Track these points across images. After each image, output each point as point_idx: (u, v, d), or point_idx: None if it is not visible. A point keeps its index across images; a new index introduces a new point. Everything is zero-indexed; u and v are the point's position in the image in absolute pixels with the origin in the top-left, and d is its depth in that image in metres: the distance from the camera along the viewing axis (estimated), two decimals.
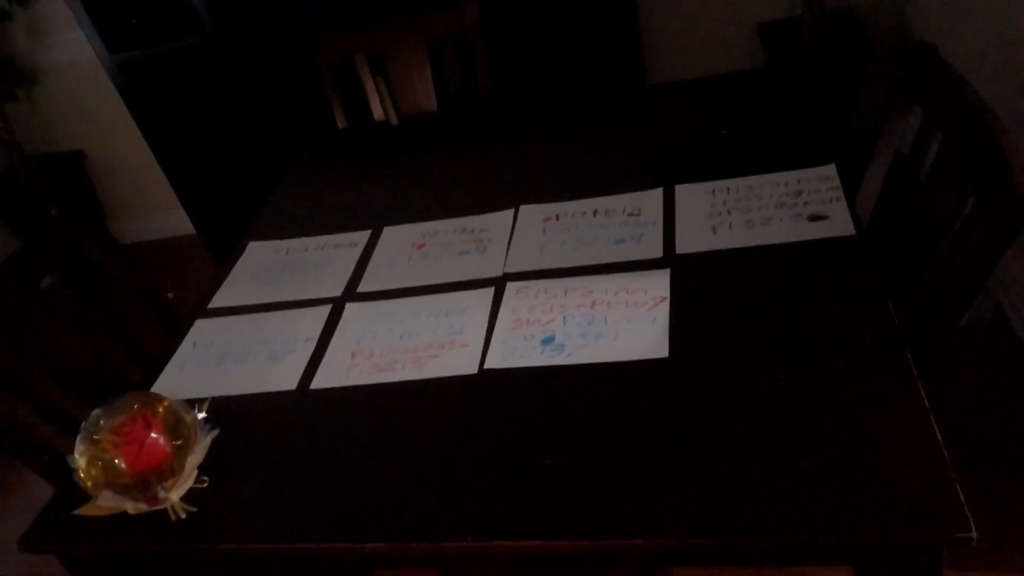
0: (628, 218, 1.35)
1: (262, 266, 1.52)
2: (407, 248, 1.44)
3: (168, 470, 1.02)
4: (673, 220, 1.32)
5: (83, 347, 1.39)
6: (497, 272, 1.32)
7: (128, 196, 3.25)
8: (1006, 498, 1.51)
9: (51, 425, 1.26)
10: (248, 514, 1.03)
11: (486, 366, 1.13)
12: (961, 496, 0.79)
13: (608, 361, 1.09)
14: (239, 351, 1.31)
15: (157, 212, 3.25)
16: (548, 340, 1.15)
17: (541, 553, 0.92)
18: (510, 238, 1.39)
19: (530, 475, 0.96)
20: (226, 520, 1.02)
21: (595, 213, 1.39)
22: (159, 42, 2.54)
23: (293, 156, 1.93)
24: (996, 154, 0.90)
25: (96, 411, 1.03)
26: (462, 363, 1.15)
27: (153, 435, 1.02)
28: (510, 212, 1.46)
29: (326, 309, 1.34)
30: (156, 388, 1.27)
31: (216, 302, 1.45)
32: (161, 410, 1.04)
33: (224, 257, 2.96)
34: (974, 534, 0.75)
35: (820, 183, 1.29)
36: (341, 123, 1.98)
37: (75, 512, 1.03)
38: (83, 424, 1.03)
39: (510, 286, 1.28)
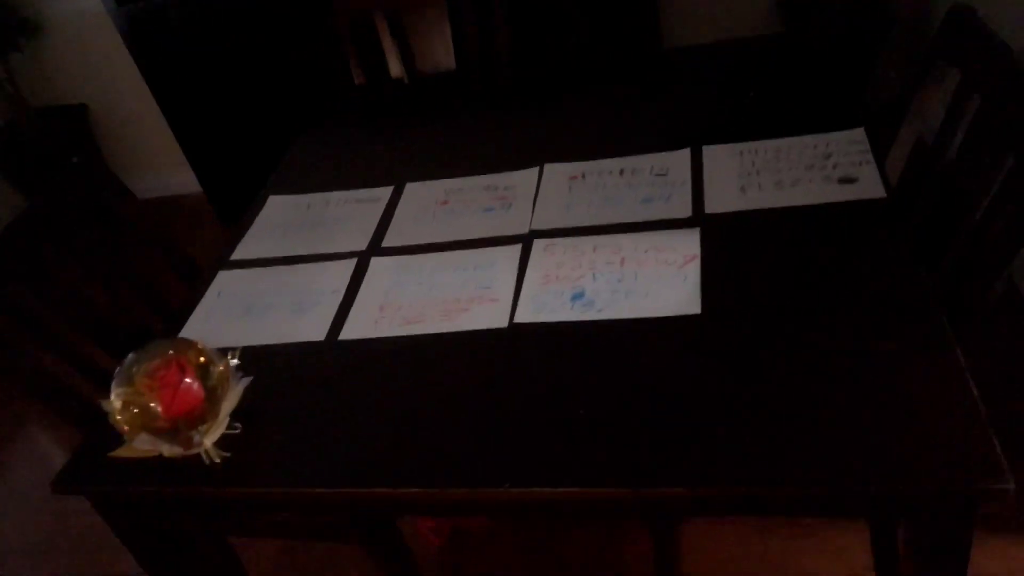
0: (655, 178, 1.35)
1: (283, 220, 1.51)
2: (431, 204, 1.44)
3: (202, 415, 1.02)
4: (701, 180, 1.32)
5: (104, 297, 1.39)
6: (523, 229, 1.32)
7: (131, 152, 3.21)
8: None
9: (77, 373, 1.27)
10: (281, 459, 1.03)
11: (516, 320, 1.14)
12: (998, 447, 0.80)
13: (640, 317, 1.09)
14: (265, 302, 1.31)
15: (161, 169, 3.21)
16: (578, 296, 1.15)
17: (578, 499, 0.93)
18: (535, 196, 1.39)
19: (564, 426, 0.96)
20: (258, 465, 1.03)
21: (621, 172, 1.39)
22: None
23: (306, 113, 1.92)
24: None
25: (131, 355, 1.04)
26: (492, 317, 1.16)
27: (187, 380, 1.02)
28: (534, 170, 1.45)
29: (351, 263, 1.34)
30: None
31: (238, 254, 1.45)
32: (195, 356, 1.04)
33: (231, 215, 2.98)
34: (1012, 485, 0.77)
35: (849, 146, 1.29)
36: (358, 79, 1.96)
37: (111, 454, 1.03)
38: (118, 368, 1.03)
39: (537, 243, 1.28)
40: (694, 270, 1.14)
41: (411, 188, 1.50)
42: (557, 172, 1.43)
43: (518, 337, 1.12)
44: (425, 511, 1.09)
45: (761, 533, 1.55)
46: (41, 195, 1.40)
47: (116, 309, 1.38)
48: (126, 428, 1.01)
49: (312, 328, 1.22)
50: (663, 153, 1.41)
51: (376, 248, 1.36)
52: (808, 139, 1.34)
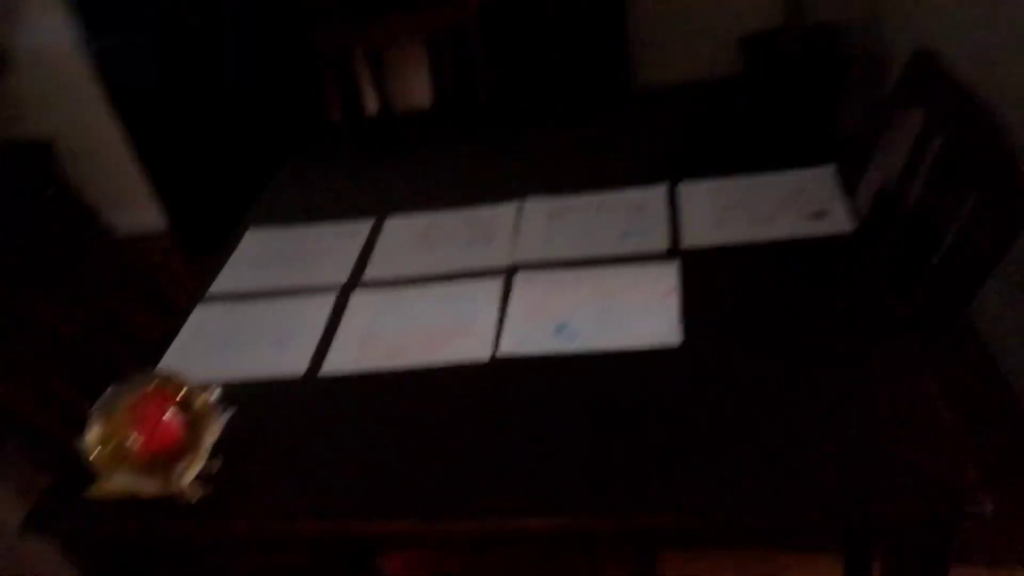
0: (633, 212, 1.38)
1: (262, 253, 1.51)
2: (411, 238, 1.45)
3: (183, 449, 1.00)
4: (677, 215, 1.35)
5: (76, 332, 1.37)
6: (505, 262, 1.33)
7: (97, 188, 3.17)
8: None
9: (48, 411, 1.24)
10: (261, 495, 1.02)
11: (499, 353, 1.15)
12: (973, 471, 0.82)
13: (621, 348, 1.11)
14: (243, 337, 1.29)
15: (127, 205, 3.18)
16: (561, 328, 1.17)
17: (562, 529, 0.93)
18: (516, 230, 1.40)
19: (548, 457, 0.97)
20: (239, 502, 1.01)
21: (599, 207, 1.42)
22: (142, 30, 2.50)
23: (280, 150, 1.92)
24: (1000, 152, 0.94)
25: (110, 389, 1.02)
26: (474, 349, 1.16)
27: (168, 415, 1.00)
28: (514, 205, 1.47)
29: (332, 296, 1.34)
30: None
31: (216, 288, 1.43)
32: (175, 390, 1.03)
33: (198, 250, 2.94)
34: (989, 507, 0.79)
35: (820, 183, 1.34)
36: (336, 116, 1.97)
37: (85, 494, 1.01)
38: (96, 402, 1.01)
39: (519, 275, 1.29)
40: (673, 302, 1.16)
41: (391, 222, 1.51)
42: (537, 206, 1.46)
43: (501, 370, 1.12)
44: (408, 545, 1.07)
45: (736, 569, 1.55)
46: (10, 228, 1.38)
47: (90, 346, 1.35)
48: (103, 465, 0.99)
49: (293, 362, 1.21)
50: (640, 189, 1.44)
51: (357, 281, 1.37)
52: (780, 176, 1.38)
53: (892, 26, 2.47)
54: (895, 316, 1.03)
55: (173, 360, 1.28)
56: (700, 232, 1.29)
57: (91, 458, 1.00)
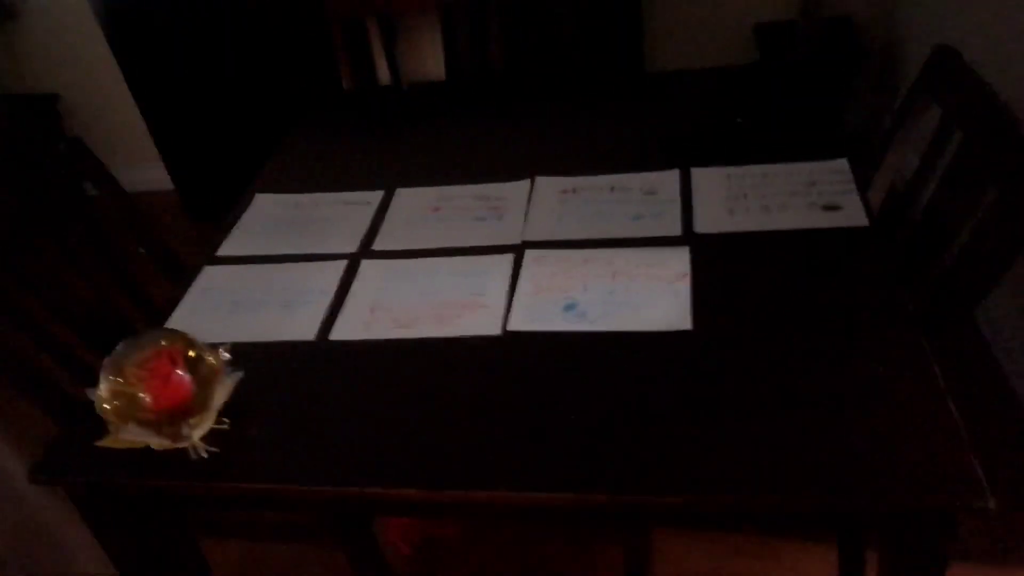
0: (645, 196, 1.38)
1: (271, 218, 1.50)
2: (422, 210, 1.45)
3: (191, 408, 1.01)
4: (690, 201, 1.35)
5: (86, 288, 1.37)
6: (515, 239, 1.33)
7: (102, 145, 3.13)
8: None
9: (57, 363, 1.24)
10: (268, 456, 1.03)
11: (509, 327, 1.15)
12: (978, 465, 0.84)
13: (631, 330, 1.12)
14: (252, 299, 1.30)
15: (132, 165, 3.16)
16: (570, 307, 1.17)
17: (562, 504, 0.94)
18: (527, 207, 1.41)
19: (555, 432, 0.98)
20: (245, 461, 1.02)
21: (612, 189, 1.42)
22: None
23: (289, 115, 1.91)
24: (1019, 150, 0.95)
25: (120, 345, 1.02)
26: (484, 323, 1.17)
27: (178, 372, 1.01)
28: (526, 182, 1.47)
29: (341, 264, 1.34)
30: None
31: (224, 250, 1.43)
32: (186, 348, 1.03)
33: (202, 213, 2.94)
34: (992, 503, 0.80)
35: (833, 175, 1.34)
36: (347, 84, 1.96)
37: (98, 443, 1.01)
38: (107, 358, 1.01)
39: (529, 253, 1.29)
40: (684, 287, 1.17)
41: (402, 193, 1.50)
42: (549, 185, 1.46)
43: (511, 344, 1.13)
44: (410, 512, 1.09)
45: (733, 554, 1.58)
46: (16, 184, 1.37)
47: (99, 302, 1.35)
48: (114, 418, 0.99)
49: (302, 327, 1.22)
50: (652, 173, 1.44)
51: (366, 251, 1.37)
52: (793, 166, 1.38)
53: (909, 20, 2.47)
54: (906, 311, 1.04)
55: (181, 319, 1.28)
56: (713, 218, 1.30)
57: (101, 411, 1.00)
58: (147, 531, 1.16)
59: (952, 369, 1.01)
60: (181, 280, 1.39)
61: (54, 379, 1.19)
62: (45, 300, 1.27)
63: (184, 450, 1.01)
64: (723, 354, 1.05)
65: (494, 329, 1.15)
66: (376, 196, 1.51)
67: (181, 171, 2.88)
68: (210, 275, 1.37)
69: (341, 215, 1.47)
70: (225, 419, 1.05)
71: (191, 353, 1.03)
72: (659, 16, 2.65)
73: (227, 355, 1.07)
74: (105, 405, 0.99)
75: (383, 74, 1.97)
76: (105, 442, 1.01)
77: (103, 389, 1.00)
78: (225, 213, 1.55)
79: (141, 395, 0.99)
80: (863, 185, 1.31)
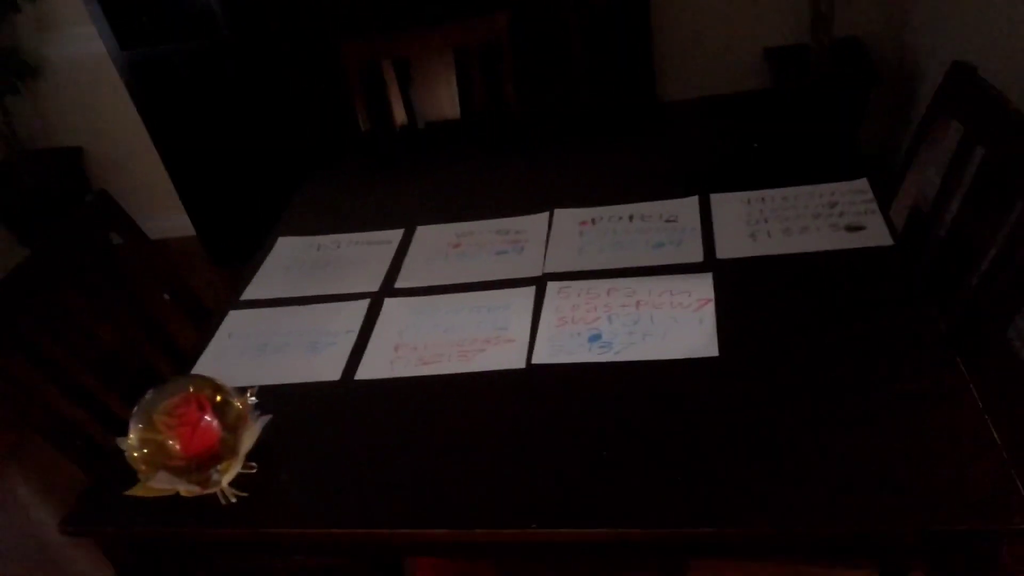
0: (665, 224, 1.38)
1: (294, 261, 1.52)
2: (443, 247, 1.45)
3: (220, 454, 1.01)
4: (711, 227, 1.35)
5: (112, 336, 1.38)
6: (536, 272, 1.33)
7: (125, 194, 3.19)
8: None
9: (84, 411, 1.25)
10: (297, 500, 1.02)
11: (533, 361, 1.15)
12: (1021, 486, 0.81)
13: (657, 359, 1.10)
14: (277, 342, 1.30)
15: (154, 213, 3.21)
16: (595, 338, 1.17)
17: (601, 540, 0.93)
18: (547, 240, 1.41)
19: (585, 467, 0.96)
20: (274, 506, 1.02)
21: (631, 218, 1.42)
22: (173, 40, 2.54)
23: (308, 159, 1.94)
24: None
25: (149, 393, 1.03)
26: (509, 358, 1.16)
27: (207, 418, 1.01)
28: (545, 215, 1.48)
29: (364, 303, 1.35)
30: None
31: (249, 294, 1.44)
32: (214, 393, 1.04)
33: (225, 258, 2.97)
34: None
35: (854, 195, 1.33)
36: (364, 126, 1.99)
37: (127, 493, 1.01)
38: (136, 406, 1.02)
39: (551, 285, 1.29)
40: (709, 313, 1.16)
41: (422, 231, 1.51)
42: (567, 217, 1.46)
43: (536, 378, 1.12)
44: (440, 552, 1.07)
45: None
46: (50, 233, 1.39)
47: (125, 349, 1.36)
48: (143, 466, 1.00)
49: (327, 368, 1.22)
50: (671, 200, 1.44)
51: (389, 289, 1.37)
52: (813, 188, 1.38)
53: (919, 38, 2.47)
54: (938, 330, 1.02)
55: (208, 364, 1.29)
56: (734, 244, 1.29)
57: (131, 460, 1.00)
58: None
59: (987, 388, 0.99)
60: (206, 325, 1.40)
61: (82, 428, 1.20)
62: (73, 349, 1.28)
63: (213, 496, 1.01)
64: (752, 380, 1.04)
65: (518, 363, 1.15)
66: (396, 235, 1.52)
67: (203, 217, 2.92)
68: (235, 319, 1.38)
69: (362, 255, 1.48)
70: (253, 463, 1.05)
71: (218, 398, 1.04)
72: (668, 45, 2.67)
73: (254, 399, 1.07)
74: (135, 453, 0.99)
75: (399, 115, 1.99)
76: (134, 491, 1.01)
77: (132, 437, 1.00)
78: (247, 257, 1.57)
79: (170, 442, 0.99)
80: (884, 204, 1.30)
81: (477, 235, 1.47)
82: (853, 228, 1.26)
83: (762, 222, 1.33)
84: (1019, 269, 0.96)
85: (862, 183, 1.36)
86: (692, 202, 1.42)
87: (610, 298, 1.24)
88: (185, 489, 1.00)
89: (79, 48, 2.84)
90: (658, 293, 1.22)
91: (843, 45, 2.53)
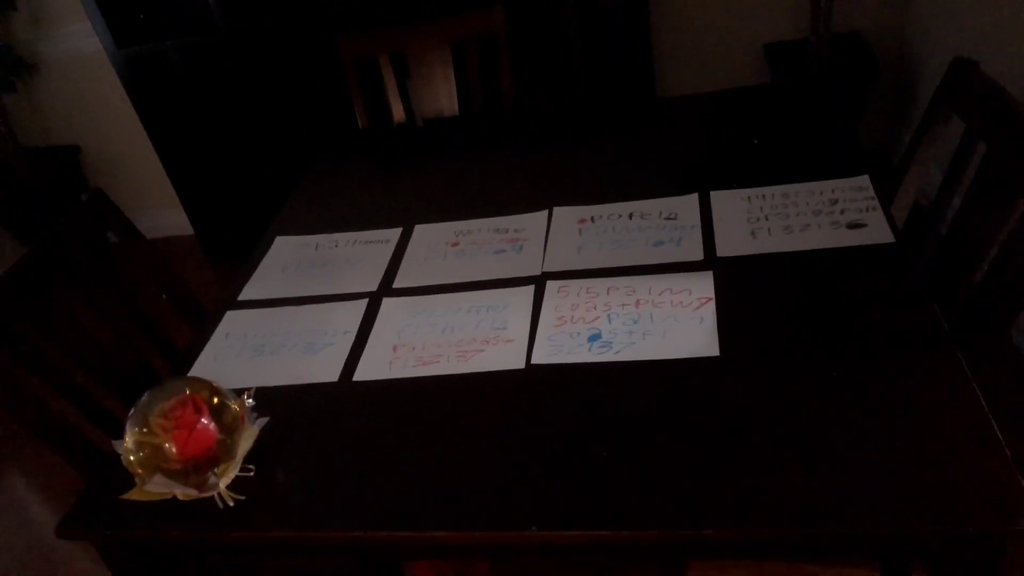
0: (665, 221, 1.37)
1: (291, 260, 1.51)
2: (441, 246, 1.44)
3: (217, 456, 1.00)
4: (711, 224, 1.34)
5: (108, 336, 1.37)
6: (535, 271, 1.32)
7: (123, 193, 3.20)
8: None
9: (81, 412, 1.24)
10: (295, 502, 1.01)
11: (533, 361, 1.14)
12: None
13: (658, 358, 1.10)
14: (275, 343, 1.29)
15: (151, 211, 3.20)
16: (594, 337, 1.16)
17: (602, 541, 0.92)
18: (546, 238, 1.40)
19: (585, 467, 0.96)
20: (272, 508, 1.01)
21: (631, 216, 1.41)
22: (169, 37, 2.52)
23: (305, 156, 1.93)
24: None
25: (145, 395, 1.02)
26: (508, 358, 1.15)
27: (203, 421, 1.00)
28: (543, 213, 1.47)
29: (362, 303, 1.34)
30: None
31: (246, 294, 1.44)
32: (210, 395, 1.03)
33: (221, 256, 2.96)
34: None
35: (855, 192, 1.32)
36: (362, 122, 1.98)
37: (123, 496, 1.00)
38: (132, 409, 1.01)
39: (550, 284, 1.28)
40: (709, 312, 1.15)
41: (420, 229, 1.50)
42: (567, 215, 1.45)
43: (536, 378, 1.12)
44: (439, 555, 1.07)
45: None
46: (45, 232, 1.38)
47: (122, 349, 1.35)
48: (140, 470, 0.99)
49: (325, 369, 1.21)
50: (671, 198, 1.43)
51: (387, 289, 1.36)
52: (813, 185, 1.37)
53: (919, 33, 2.46)
54: (940, 328, 1.01)
55: (205, 365, 1.28)
56: (734, 241, 1.28)
57: (127, 463, 0.99)
58: None
59: (990, 387, 0.98)
60: (203, 325, 1.39)
61: (78, 430, 1.19)
62: (69, 350, 1.27)
63: (210, 499, 1.00)
64: (753, 380, 1.03)
65: (518, 363, 1.14)
66: (394, 233, 1.51)
67: (200, 215, 2.91)
68: (232, 320, 1.38)
69: (360, 254, 1.47)
70: (251, 465, 1.04)
71: (215, 401, 1.03)
72: (668, 41, 2.66)
73: (251, 401, 1.07)
74: (131, 457, 0.99)
75: (397, 112, 1.98)
76: (131, 495, 1.00)
77: (129, 441, 0.99)
78: (244, 255, 1.56)
79: (167, 445, 0.98)
80: (885, 201, 1.29)
81: (476, 234, 1.46)
82: (854, 225, 1.25)
83: (763, 219, 1.32)
84: (1022, 266, 0.95)
85: (863, 180, 1.35)
86: (692, 199, 1.41)
87: (610, 297, 1.23)
88: (182, 493, 0.99)
89: (75, 45, 2.82)
90: (658, 292, 1.21)
91: (843, 40, 2.51)
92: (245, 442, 1.03)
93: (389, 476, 1.01)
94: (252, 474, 1.04)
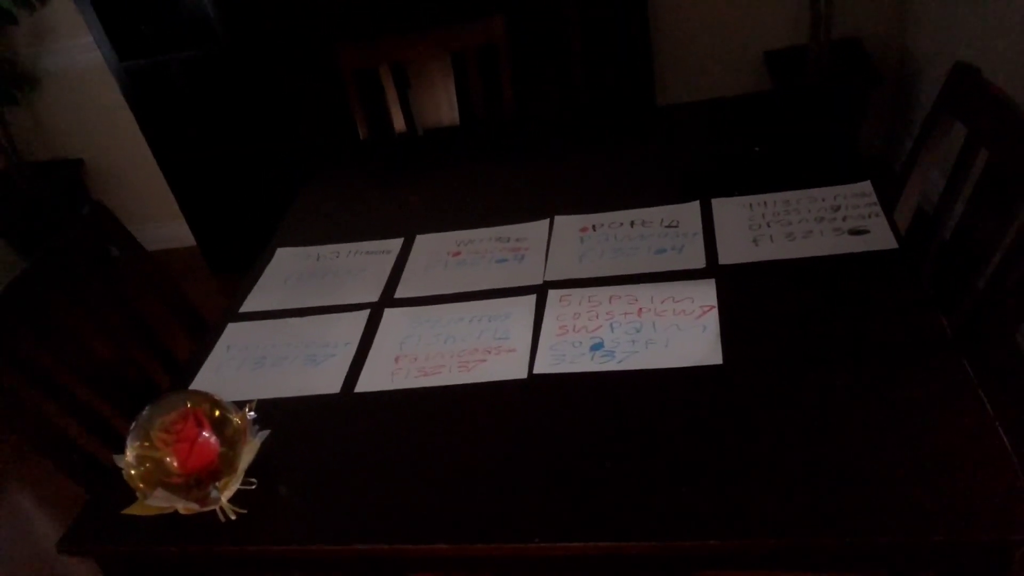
0: (667, 229, 1.37)
1: (293, 272, 1.50)
2: (442, 255, 1.44)
3: (219, 470, 1.00)
4: (713, 232, 1.33)
5: (110, 350, 1.37)
6: (537, 280, 1.32)
7: (126, 205, 3.20)
8: None
9: (83, 428, 1.24)
10: (297, 516, 1.01)
11: (535, 371, 1.13)
12: None
13: (661, 368, 1.09)
14: (276, 355, 1.29)
15: (154, 223, 3.21)
16: (597, 346, 1.15)
17: (605, 553, 0.91)
18: (547, 247, 1.39)
19: (589, 478, 0.95)
20: (275, 522, 1.00)
21: (632, 224, 1.40)
22: (170, 50, 2.53)
23: (306, 167, 1.93)
24: None
25: (146, 409, 1.01)
26: (510, 368, 1.15)
27: (205, 434, 1.00)
28: (545, 222, 1.46)
29: (364, 314, 1.33)
30: None
31: (247, 306, 1.43)
32: (212, 409, 1.02)
33: (225, 267, 2.96)
34: None
35: (857, 199, 1.32)
36: (362, 132, 1.98)
37: (125, 511, 1.00)
38: (133, 423, 1.00)
39: (552, 293, 1.28)
40: (712, 320, 1.14)
41: (421, 239, 1.50)
42: (568, 223, 1.45)
43: (538, 388, 1.11)
44: (442, 568, 1.06)
45: None
46: (46, 246, 1.38)
47: (123, 362, 1.35)
48: (141, 484, 0.98)
49: (327, 381, 1.20)
50: (672, 205, 1.42)
51: (389, 299, 1.36)
52: (815, 192, 1.36)
53: (919, 38, 2.45)
54: (945, 335, 1.01)
55: (206, 378, 1.28)
56: (736, 249, 1.28)
57: (128, 477, 0.99)
58: None
59: (997, 393, 0.97)
60: (205, 337, 1.38)
61: (79, 444, 1.19)
62: (70, 363, 1.27)
63: (212, 513, 1.00)
64: (757, 388, 1.02)
65: (520, 373, 1.13)
66: (396, 244, 1.51)
67: (203, 227, 2.92)
68: (234, 332, 1.37)
69: (361, 265, 1.47)
70: (252, 479, 1.03)
71: (217, 414, 1.02)
72: (668, 48, 2.66)
73: (253, 414, 1.06)
74: (132, 471, 0.98)
75: (398, 122, 1.98)
76: (132, 510, 1.00)
77: (130, 455, 0.99)
78: (247, 265, 1.56)
79: (168, 459, 0.98)
80: (887, 207, 1.29)
81: (477, 243, 1.45)
82: (857, 232, 1.25)
83: (765, 227, 1.31)
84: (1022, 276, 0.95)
85: (865, 186, 1.34)
86: (693, 207, 1.41)
87: (612, 306, 1.22)
88: (184, 507, 0.99)
89: (77, 58, 2.83)
90: (660, 300, 1.21)
91: (843, 46, 2.51)
92: (247, 455, 1.03)
93: (392, 488, 1.01)
94: (254, 487, 1.03)
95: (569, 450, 1.00)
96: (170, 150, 2.72)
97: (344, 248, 1.53)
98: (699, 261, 1.27)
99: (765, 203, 1.37)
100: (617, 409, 1.05)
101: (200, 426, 1.00)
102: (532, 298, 1.28)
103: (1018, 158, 1.02)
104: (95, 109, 2.97)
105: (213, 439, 1.00)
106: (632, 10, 2.41)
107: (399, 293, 1.37)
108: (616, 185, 1.56)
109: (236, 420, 1.03)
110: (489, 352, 1.19)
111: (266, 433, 1.07)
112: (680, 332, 1.14)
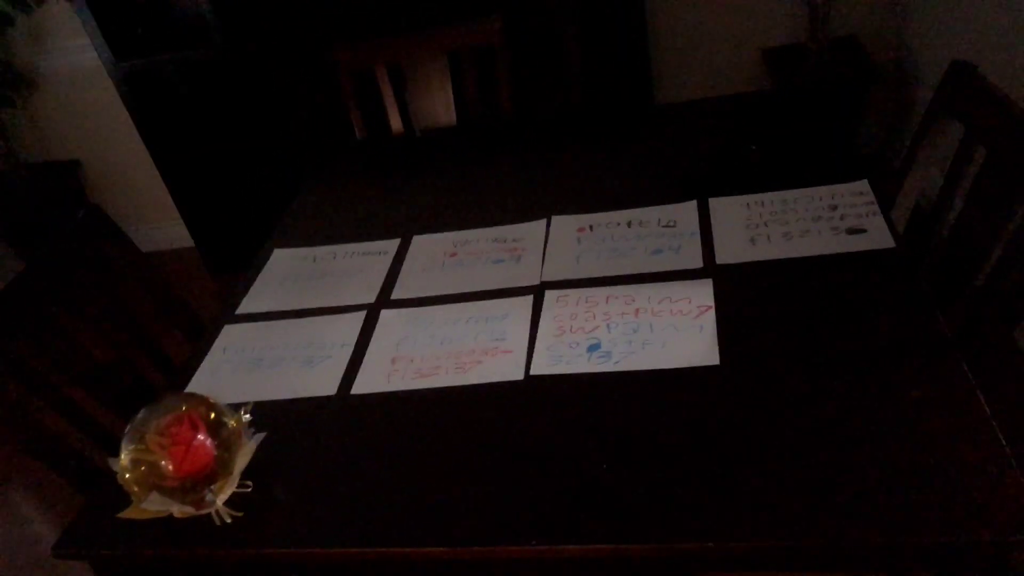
0: (664, 229, 1.36)
1: (289, 273, 1.50)
2: (439, 256, 1.44)
3: (214, 473, 0.99)
4: (710, 231, 1.33)
5: (105, 352, 1.36)
6: (534, 281, 1.31)
7: (124, 207, 3.20)
8: None
9: (79, 431, 1.23)
10: (294, 519, 1.00)
11: (532, 372, 1.13)
12: None
13: (658, 368, 1.09)
14: (273, 356, 1.28)
15: (152, 224, 3.20)
16: (594, 347, 1.15)
17: (603, 556, 0.91)
18: (544, 248, 1.39)
19: (586, 480, 0.95)
20: (271, 525, 1.00)
21: (629, 224, 1.40)
22: (167, 51, 2.52)
23: (303, 168, 1.92)
24: None
25: (141, 412, 1.01)
26: (507, 369, 1.14)
27: (200, 437, 0.99)
28: (542, 222, 1.46)
29: (360, 315, 1.33)
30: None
31: (244, 308, 1.43)
32: (207, 411, 1.02)
33: (223, 268, 2.96)
34: None
35: (854, 198, 1.31)
36: (359, 133, 1.98)
37: (120, 515, 1.00)
38: (128, 426, 1.00)
39: (549, 294, 1.28)
40: (709, 320, 1.14)
41: (418, 240, 1.50)
42: (565, 224, 1.44)
43: (535, 389, 1.11)
44: (442, 571, 1.05)
45: None
46: (42, 249, 1.38)
47: (119, 365, 1.35)
48: (136, 488, 0.98)
49: (323, 382, 1.20)
50: (670, 205, 1.42)
51: (385, 301, 1.35)
52: (813, 191, 1.36)
53: (917, 36, 2.45)
54: (943, 334, 1.00)
55: (202, 380, 1.27)
56: (734, 249, 1.27)
57: (123, 480, 0.99)
58: None
59: (994, 392, 0.97)
60: (201, 339, 1.38)
61: (74, 447, 1.18)
62: (66, 366, 1.26)
63: (207, 517, 0.99)
64: (754, 389, 1.02)
65: (517, 374, 1.13)
66: (392, 245, 1.50)
67: (201, 227, 2.91)
68: (230, 334, 1.37)
69: (358, 266, 1.47)
70: (248, 481, 1.03)
71: (212, 416, 1.02)
72: (665, 47, 2.66)
73: (248, 416, 1.06)
74: (127, 474, 0.98)
75: (395, 123, 1.98)
76: (127, 513, 1.00)
77: (125, 458, 0.98)
78: (245, 266, 1.55)
79: (163, 462, 0.97)
80: (885, 206, 1.28)
81: (474, 244, 1.45)
82: (854, 231, 1.24)
83: (762, 226, 1.31)
84: (1021, 274, 0.94)
85: (862, 184, 1.34)
86: (691, 207, 1.40)
87: (609, 306, 1.22)
88: (179, 510, 0.98)
89: (74, 60, 2.82)
90: (657, 300, 1.20)
91: (840, 44, 2.51)
92: (242, 458, 1.02)
93: (388, 491, 1.00)
94: (250, 490, 1.03)
95: (566, 451, 1.00)
96: (167, 151, 2.71)
97: (341, 249, 1.53)
98: (696, 261, 1.27)
99: (762, 202, 1.36)
100: (614, 410, 1.05)
101: (195, 429, 0.99)
102: (529, 299, 1.27)
103: (1016, 156, 1.02)
104: (92, 110, 2.96)
105: (209, 442, 1.00)
106: (629, 9, 2.41)
107: (396, 294, 1.37)
108: (613, 185, 1.56)
109: (232, 422, 1.03)
110: (486, 353, 1.18)
111: (262, 435, 1.07)
112: (677, 332, 1.13)
